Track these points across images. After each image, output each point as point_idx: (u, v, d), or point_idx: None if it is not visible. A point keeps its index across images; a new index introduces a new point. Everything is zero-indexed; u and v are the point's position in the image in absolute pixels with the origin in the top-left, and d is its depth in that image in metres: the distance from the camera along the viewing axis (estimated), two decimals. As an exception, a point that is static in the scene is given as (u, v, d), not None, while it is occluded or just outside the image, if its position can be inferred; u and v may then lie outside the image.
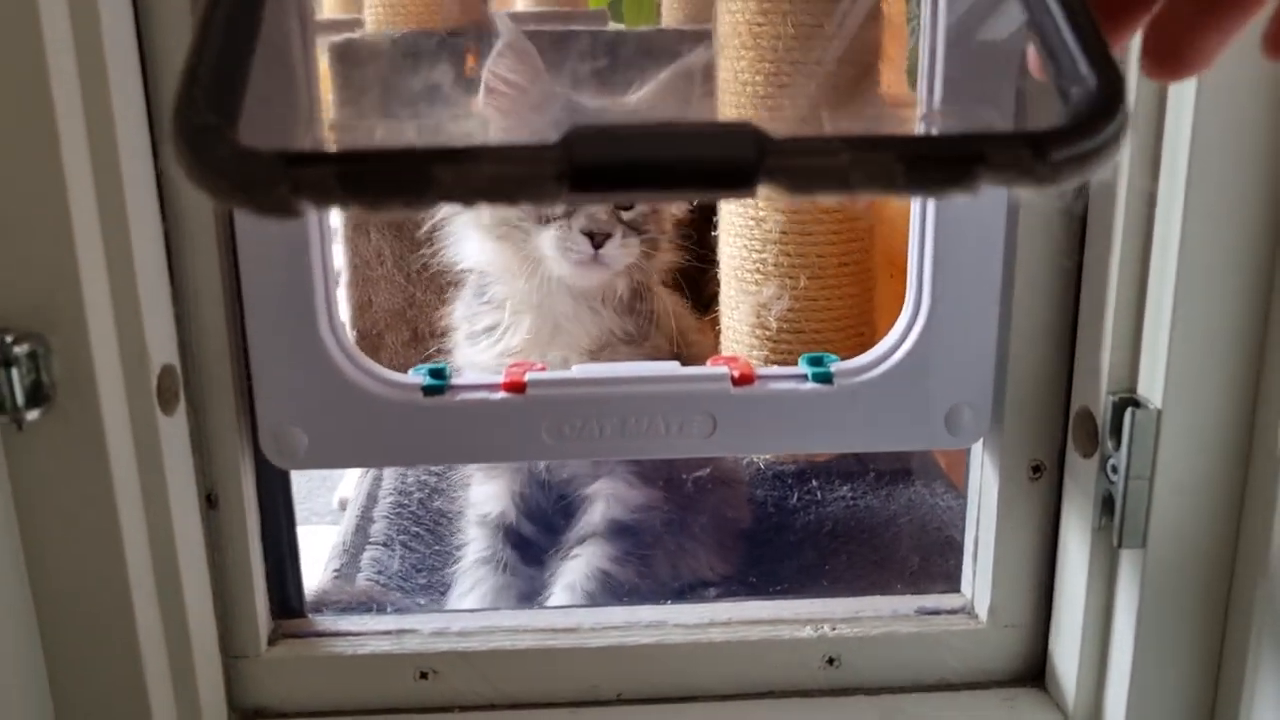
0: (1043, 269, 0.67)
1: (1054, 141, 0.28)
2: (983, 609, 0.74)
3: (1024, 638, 0.74)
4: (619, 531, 0.96)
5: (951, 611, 0.76)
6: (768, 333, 1.18)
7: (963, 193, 0.28)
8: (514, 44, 0.92)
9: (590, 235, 0.90)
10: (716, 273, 1.24)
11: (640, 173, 0.29)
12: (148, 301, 0.61)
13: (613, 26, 1.81)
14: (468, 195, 0.28)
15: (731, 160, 0.28)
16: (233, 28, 0.30)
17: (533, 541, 0.99)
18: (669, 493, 0.99)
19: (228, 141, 0.27)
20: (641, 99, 0.98)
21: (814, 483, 1.17)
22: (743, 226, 1.18)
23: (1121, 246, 0.62)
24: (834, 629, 0.74)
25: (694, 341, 1.07)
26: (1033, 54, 0.34)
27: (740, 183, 0.29)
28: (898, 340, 0.69)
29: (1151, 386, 0.63)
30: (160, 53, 0.61)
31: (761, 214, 1.16)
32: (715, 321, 1.27)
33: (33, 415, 0.56)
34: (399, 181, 0.28)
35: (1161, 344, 0.61)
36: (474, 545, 1.00)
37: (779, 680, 0.74)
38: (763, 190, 0.29)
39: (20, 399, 0.56)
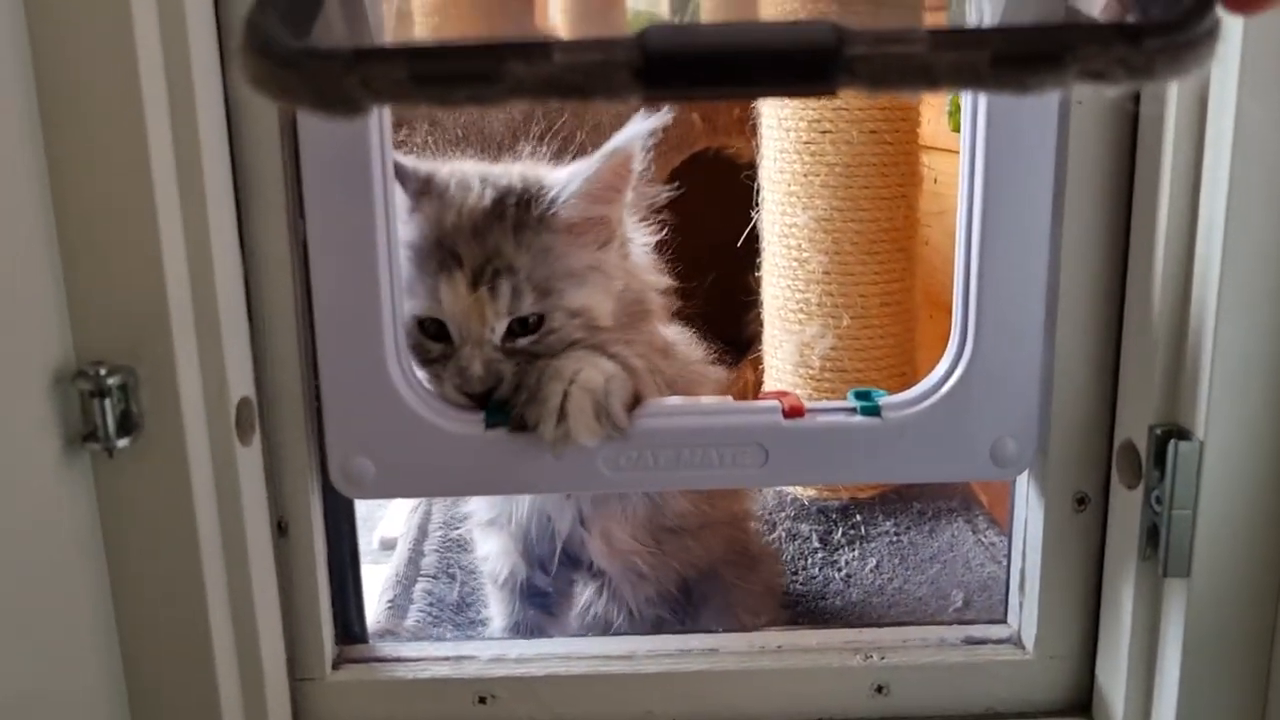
0: (1085, 303, 0.69)
1: (1150, 32, 0.27)
2: (1029, 639, 0.76)
3: (1071, 668, 0.75)
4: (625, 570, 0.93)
5: (998, 641, 0.77)
6: (811, 371, 1.20)
7: (1054, 85, 0.27)
8: None
9: (467, 395, 0.75)
10: (759, 313, 1.27)
11: (715, 65, 0.28)
12: (228, 337, 0.64)
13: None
14: (539, 88, 0.27)
15: (810, 50, 0.27)
16: None
17: (548, 591, 0.96)
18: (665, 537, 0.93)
19: (297, 41, 0.28)
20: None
21: (858, 517, 1.19)
22: (786, 266, 1.21)
23: (1162, 279, 0.64)
24: (883, 657, 0.75)
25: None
26: (1110, 4, 0.33)
27: (819, 76, 0.27)
28: (944, 374, 0.71)
29: (1193, 418, 0.64)
30: (244, 108, 0.64)
31: (805, 254, 1.19)
32: (758, 361, 1.29)
33: (122, 443, 0.59)
34: (470, 75, 0.27)
35: (1203, 376, 0.63)
36: (496, 613, 0.98)
37: (829, 707, 0.75)
38: (844, 86, 0.28)
39: (111, 428, 0.59)
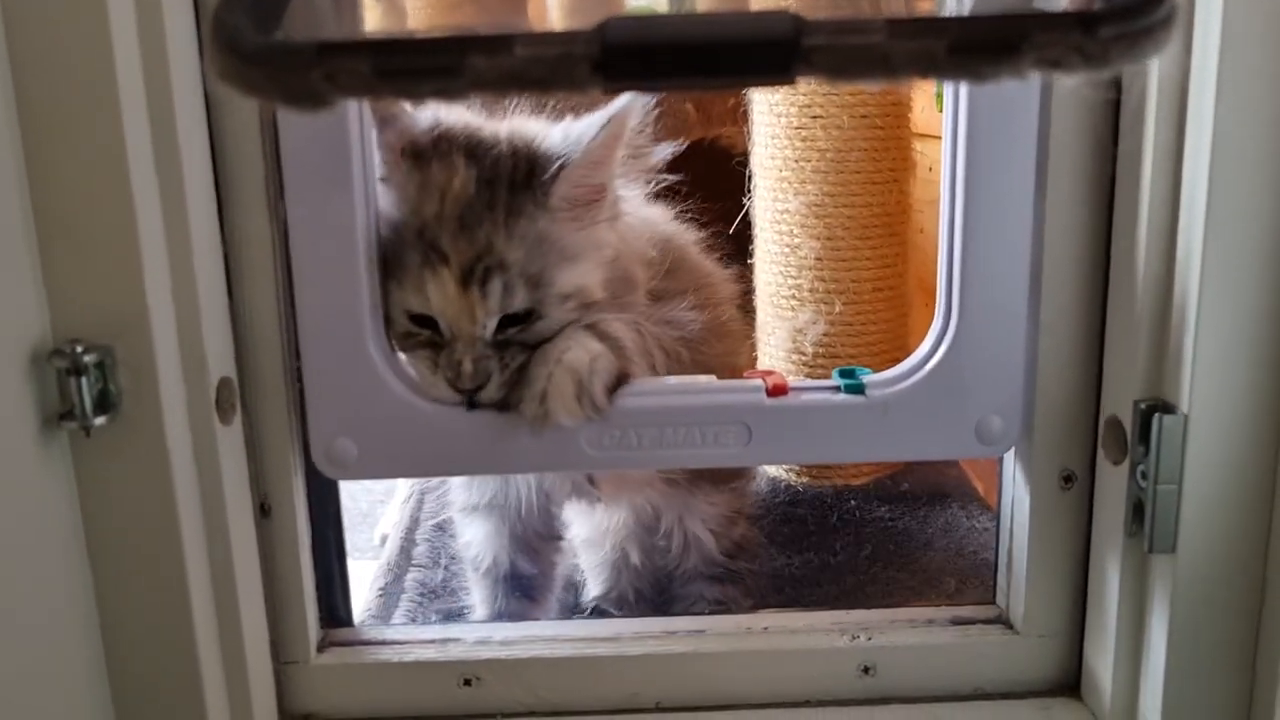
0: (1069, 280, 0.69)
1: (1105, 19, 0.27)
2: (1017, 618, 0.75)
3: (1059, 646, 0.75)
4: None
5: (986, 621, 0.77)
6: (803, 357, 1.20)
7: (1010, 74, 0.28)
8: None
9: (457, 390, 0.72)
10: (752, 300, 1.26)
11: (674, 57, 0.28)
12: (208, 316, 0.64)
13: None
14: (500, 82, 0.28)
15: (768, 40, 0.27)
16: None
17: (529, 575, 0.96)
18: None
19: (261, 35, 0.28)
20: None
21: (852, 503, 1.18)
22: (778, 253, 1.20)
23: (1146, 254, 0.64)
24: (870, 638, 0.75)
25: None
26: None
27: (778, 66, 0.28)
28: (928, 352, 0.71)
29: (1178, 392, 0.64)
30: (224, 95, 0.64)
31: (797, 241, 1.19)
32: (752, 346, 1.29)
33: (100, 421, 0.59)
34: (433, 68, 0.27)
35: (1187, 350, 0.62)
36: (478, 600, 0.97)
37: (816, 689, 0.75)
38: (802, 75, 0.28)
39: (89, 406, 0.59)
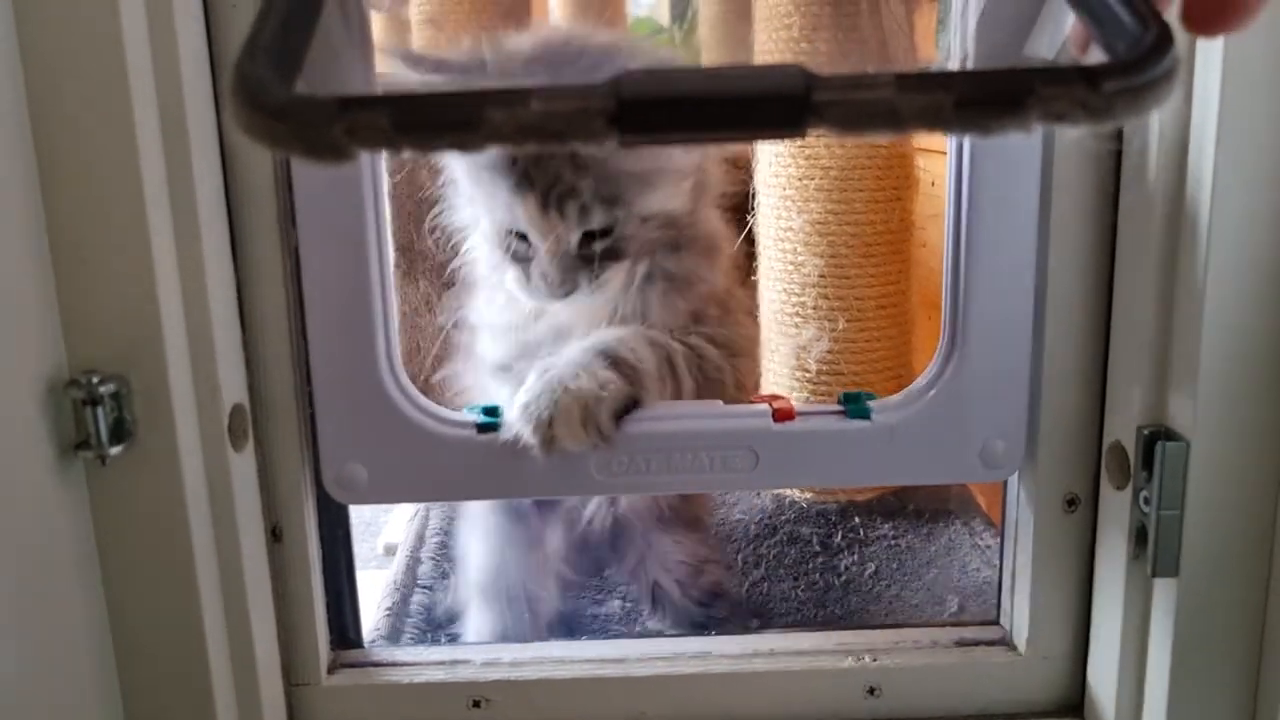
0: (1073, 305, 0.70)
1: (1108, 74, 0.28)
2: (1021, 640, 0.76)
3: (1062, 668, 0.75)
4: None
5: (990, 643, 0.78)
6: (807, 374, 1.21)
7: (1016, 128, 0.28)
8: None
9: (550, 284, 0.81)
10: (757, 315, 1.27)
11: (688, 110, 0.28)
12: (221, 345, 0.65)
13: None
14: (518, 135, 0.28)
15: (780, 95, 0.28)
16: (295, 6, 0.32)
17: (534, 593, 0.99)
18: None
19: (283, 89, 0.29)
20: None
21: (856, 520, 1.19)
22: (782, 270, 1.21)
23: (1152, 280, 0.65)
24: (875, 659, 0.76)
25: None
26: (1077, 31, 0.34)
27: (789, 120, 0.28)
28: (933, 377, 0.71)
29: (1181, 419, 0.64)
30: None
31: (800, 258, 1.19)
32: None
33: (115, 451, 0.60)
34: (451, 122, 0.28)
35: (1190, 377, 0.63)
36: (478, 619, 0.98)
37: (821, 710, 0.76)
38: (813, 129, 0.28)
39: (105, 435, 0.59)
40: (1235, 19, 0.34)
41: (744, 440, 0.71)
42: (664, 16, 2.21)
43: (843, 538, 1.16)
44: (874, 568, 1.12)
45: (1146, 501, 0.66)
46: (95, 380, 0.59)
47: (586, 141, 0.29)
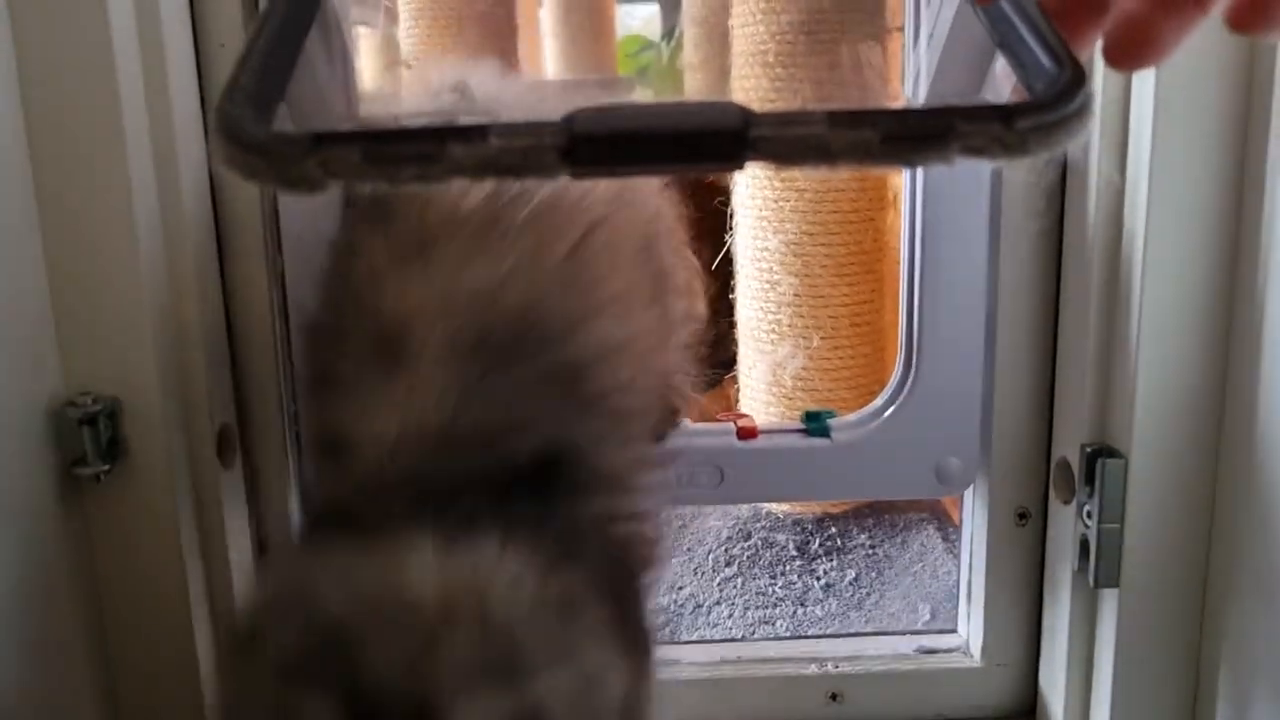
0: (1022, 331, 0.73)
1: (1021, 112, 0.30)
2: (976, 648, 0.79)
3: (1015, 675, 0.79)
4: None
5: (948, 650, 0.81)
6: (783, 390, 1.24)
7: (938, 160, 0.30)
8: None
9: None
10: (735, 334, 1.31)
11: (636, 145, 0.30)
12: (209, 367, 0.68)
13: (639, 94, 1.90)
14: (477, 169, 0.30)
15: (720, 130, 0.30)
16: (274, 48, 0.35)
17: None
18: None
19: (261, 125, 0.31)
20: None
21: (833, 529, 1.22)
22: (759, 289, 1.24)
23: (1093, 306, 0.68)
24: (836, 667, 0.79)
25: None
26: (1014, 83, 0.36)
27: (729, 154, 0.30)
28: (891, 396, 0.75)
29: (1120, 437, 0.68)
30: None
31: (776, 277, 1.23)
32: (734, 379, 1.33)
33: (109, 469, 0.63)
34: (416, 156, 0.30)
35: (1128, 398, 0.67)
36: None
37: (785, 715, 0.79)
38: (751, 163, 0.30)
39: (99, 454, 0.63)
40: (1152, 57, 0.38)
41: (710, 458, 0.75)
42: (655, 31, 2.24)
43: (820, 545, 1.20)
44: (854, 574, 1.15)
45: (1089, 515, 0.69)
46: (90, 400, 0.62)
47: (540, 177, 0.31)
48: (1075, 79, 0.32)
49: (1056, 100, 0.31)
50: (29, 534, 0.61)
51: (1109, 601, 0.70)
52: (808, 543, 1.22)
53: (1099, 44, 0.39)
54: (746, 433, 0.75)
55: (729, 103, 0.30)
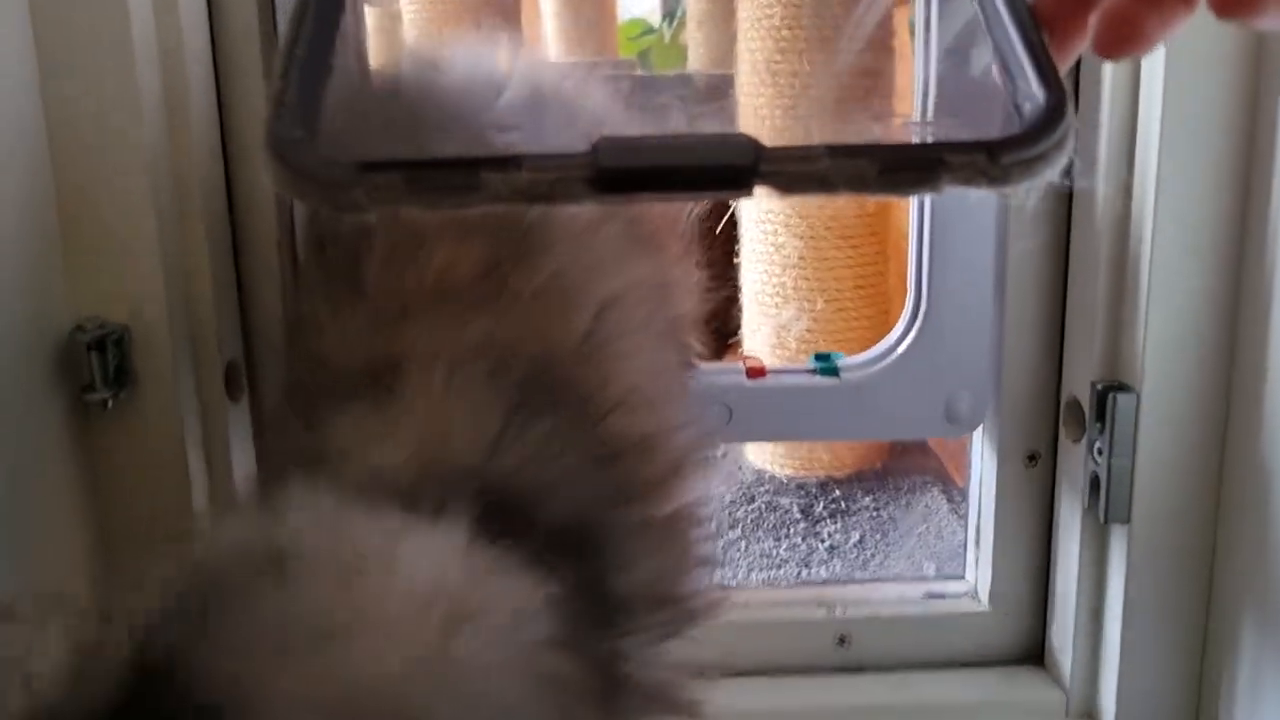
0: (1033, 268, 0.73)
1: (1005, 148, 0.33)
2: (984, 593, 0.79)
3: (1023, 618, 0.79)
4: None
5: (956, 596, 0.81)
6: (787, 352, 1.24)
7: (929, 192, 0.33)
8: None
9: None
10: (740, 303, 1.31)
11: (658, 177, 0.34)
12: (219, 303, 0.68)
13: (640, 73, 1.90)
14: (510, 197, 0.33)
15: (733, 166, 0.33)
16: (311, 53, 0.37)
17: None
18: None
19: (312, 152, 0.33)
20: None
21: (837, 492, 1.22)
22: (763, 253, 1.24)
23: (1103, 241, 0.68)
24: (845, 611, 0.79)
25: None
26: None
27: (741, 185, 0.34)
28: (899, 336, 0.75)
29: (1132, 373, 0.68)
30: (232, 68, 0.68)
31: (780, 240, 1.23)
32: (739, 344, 1.33)
33: (117, 395, 0.63)
34: (455, 186, 0.33)
35: (1139, 334, 0.67)
36: None
37: (793, 659, 0.79)
38: (760, 190, 0.33)
39: (106, 381, 0.63)
40: (1139, 49, 0.39)
41: (718, 396, 0.74)
42: (656, 18, 2.24)
43: (824, 508, 1.20)
44: (859, 536, 1.15)
45: (1100, 452, 0.69)
46: (100, 327, 0.62)
47: (569, 202, 0.34)
48: (1059, 106, 0.34)
49: (1037, 135, 0.33)
50: (34, 462, 0.61)
51: (1118, 538, 0.70)
52: (812, 505, 1.21)
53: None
54: (755, 372, 0.75)
55: (742, 136, 0.34)
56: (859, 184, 0.32)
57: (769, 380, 0.75)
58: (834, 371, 0.75)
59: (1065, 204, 0.72)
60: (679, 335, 0.66)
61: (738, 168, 0.33)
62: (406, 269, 0.55)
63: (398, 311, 0.53)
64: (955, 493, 1.21)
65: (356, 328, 0.54)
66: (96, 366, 0.62)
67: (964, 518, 1.15)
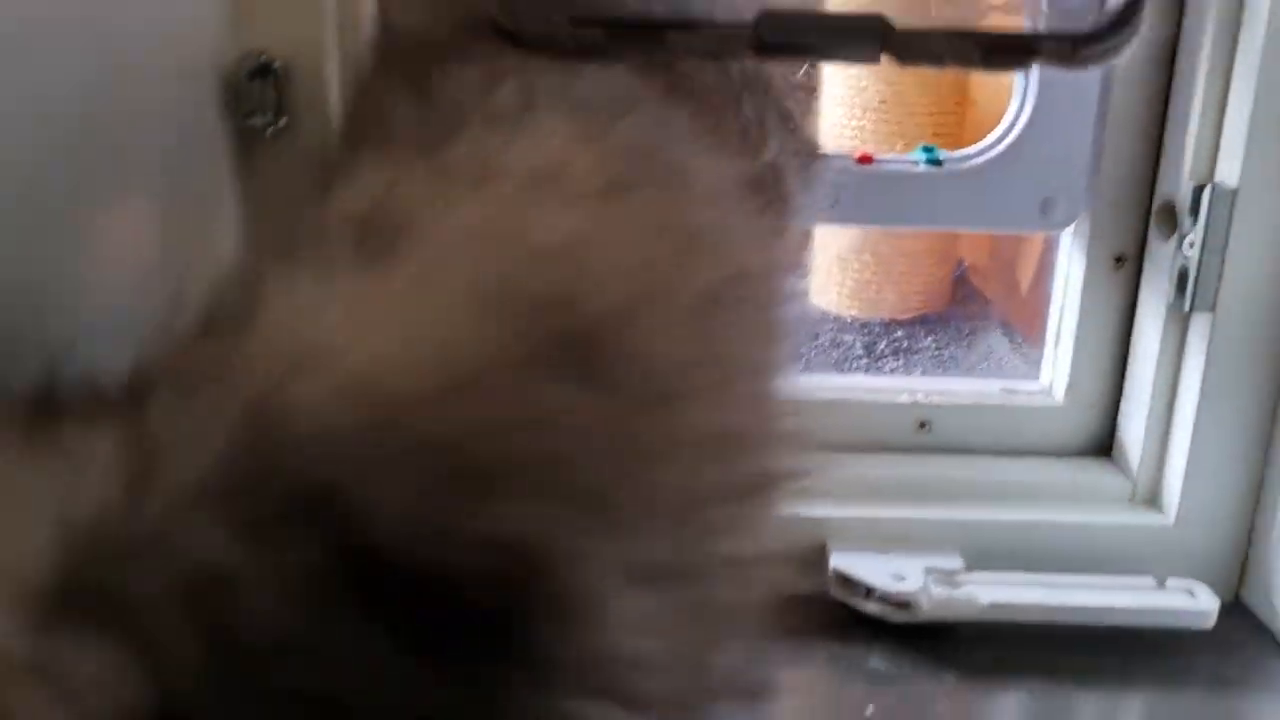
0: (1137, 72, 0.76)
1: (1086, 41, 0.41)
2: (1060, 390, 0.84)
3: (1096, 415, 0.83)
4: None
5: (1031, 393, 0.85)
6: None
7: (1019, 70, 0.46)
8: None
9: None
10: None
11: (804, 46, 0.44)
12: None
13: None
14: (690, 54, 0.42)
15: (864, 39, 0.43)
16: None
17: None
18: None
19: (534, 7, 0.42)
20: None
21: (899, 333, 1.27)
22: (844, 95, 1.27)
23: (1210, 43, 0.71)
24: (926, 398, 0.84)
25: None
26: None
27: (869, 56, 0.43)
28: (1004, 131, 0.78)
29: (1229, 172, 0.71)
30: None
31: (864, 84, 1.25)
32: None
33: (277, 123, 0.67)
34: (642, 40, 0.42)
35: (1240, 132, 0.70)
36: None
37: (876, 439, 0.84)
38: (884, 59, 0.43)
39: (268, 108, 0.67)
40: None
41: (828, 180, 0.78)
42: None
43: (886, 346, 1.24)
44: (920, 370, 1.20)
45: (1190, 246, 0.73)
46: (264, 59, 0.66)
47: (733, 59, 0.45)
48: (1134, 6, 0.43)
49: (1114, 30, 0.43)
50: (210, 171, 0.65)
51: (1200, 326, 0.74)
52: (875, 344, 1.26)
53: None
54: (863, 159, 0.78)
55: (875, 14, 0.43)
56: (964, 61, 0.43)
57: (875, 167, 0.78)
58: (937, 161, 0.78)
59: (1178, 5, 0.74)
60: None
61: (868, 41, 0.42)
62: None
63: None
64: (1018, 336, 1.25)
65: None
66: (258, 93, 0.66)
67: (1025, 356, 1.19)
